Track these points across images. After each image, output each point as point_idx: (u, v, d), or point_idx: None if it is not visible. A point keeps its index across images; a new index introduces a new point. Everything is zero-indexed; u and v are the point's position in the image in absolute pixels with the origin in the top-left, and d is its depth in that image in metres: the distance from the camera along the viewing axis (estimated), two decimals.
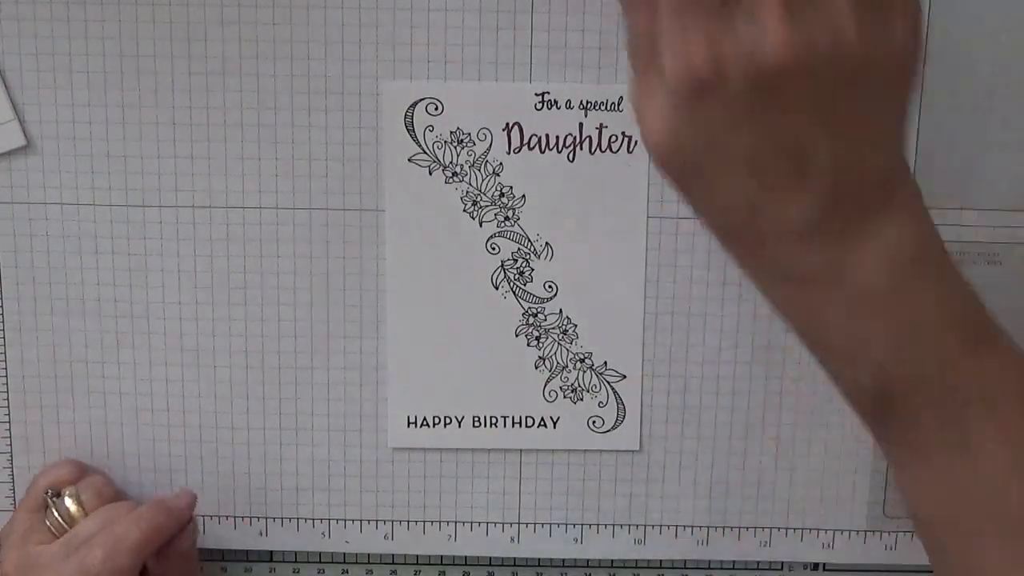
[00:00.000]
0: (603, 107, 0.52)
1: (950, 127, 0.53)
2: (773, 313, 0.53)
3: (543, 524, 0.57)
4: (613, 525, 0.57)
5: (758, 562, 0.58)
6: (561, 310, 0.54)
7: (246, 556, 0.58)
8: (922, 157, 0.53)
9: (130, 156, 0.53)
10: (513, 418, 0.55)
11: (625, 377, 0.55)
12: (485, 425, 0.55)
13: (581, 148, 0.53)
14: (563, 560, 0.58)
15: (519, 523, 0.57)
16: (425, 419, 0.55)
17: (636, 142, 0.53)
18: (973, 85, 0.52)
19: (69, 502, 0.52)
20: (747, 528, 0.57)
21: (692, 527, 0.57)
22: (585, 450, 0.56)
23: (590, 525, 0.57)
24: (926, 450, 0.39)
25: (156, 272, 0.54)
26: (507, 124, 0.53)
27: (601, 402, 0.55)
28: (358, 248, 0.54)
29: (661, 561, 0.58)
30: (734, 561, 0.57)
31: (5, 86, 0.52)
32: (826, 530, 0.57)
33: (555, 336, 0.55)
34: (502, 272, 0.54)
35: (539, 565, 0.58)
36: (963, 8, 0.51)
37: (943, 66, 0.52)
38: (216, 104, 0.53)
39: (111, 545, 0.49)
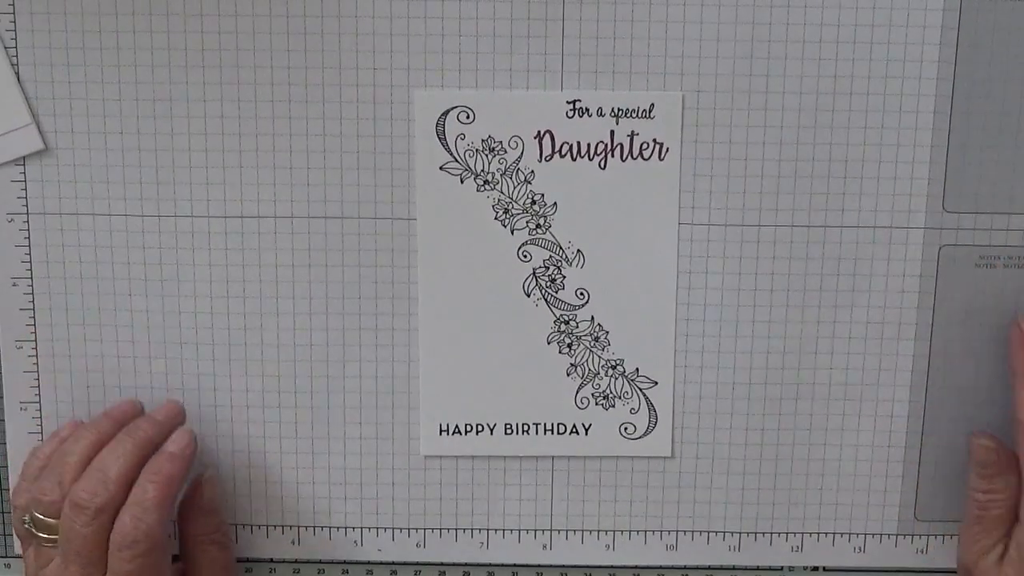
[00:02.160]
0: (634, 114, 0.52)
1: (980, 132, 0.53)
2: (804, 317, 0.53)
3: (575, 531, 0.57)
4: (645, 531, 0.57)
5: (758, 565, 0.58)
6: (593, 317, 0.54)
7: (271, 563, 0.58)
8: (952, 162, 0.53)
9: (161, 167, 0.53)
10: (545, 425, 0.55)
11: (657, 384, 0.55)
12: (517, 432, 0.55)
13: (612, 155, 0.53)
14: (589, 566, 0.58)
15: (551, 530, 0.57)
16: (457, 427, 0.55)
17: (667, 149, 0.53)
18: (1004, 90, 0.52)
19: (39, 516, 0.51)
20: (779, 533, 0.57)
21: (724, 532, 0.57)
22: (617, 456, 0.56)
23: (622, 531, 0.57)
24: None
25: (188, 282, 0.54)
26: (539, 132, 0.53)
27: (633, 409, 0.55)
28: (390, 256, 0.54)
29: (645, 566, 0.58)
30: (734, 564, 0.58)
31: (23, 93, 0.53)
32: (858, 534, 0.57)
33: (587, 343, 0.55)
34: (534, 279, 0.54)
35: (563, 567, 0.58)
36: (993, 13, 0.51)
37: (974, 71, 0.52)
38: (248, 114, 0.53)
39: (136, 508, 0.49)
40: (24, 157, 0.53)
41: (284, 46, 0.52)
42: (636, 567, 0.57)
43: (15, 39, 0.52)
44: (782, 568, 0.57)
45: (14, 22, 0.52)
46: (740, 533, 0.57)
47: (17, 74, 0.53)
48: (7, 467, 0.56)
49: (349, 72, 0.52)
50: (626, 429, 0.55)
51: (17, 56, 0.52)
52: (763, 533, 0.57)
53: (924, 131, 0.53)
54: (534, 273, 0.54)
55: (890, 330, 0.54)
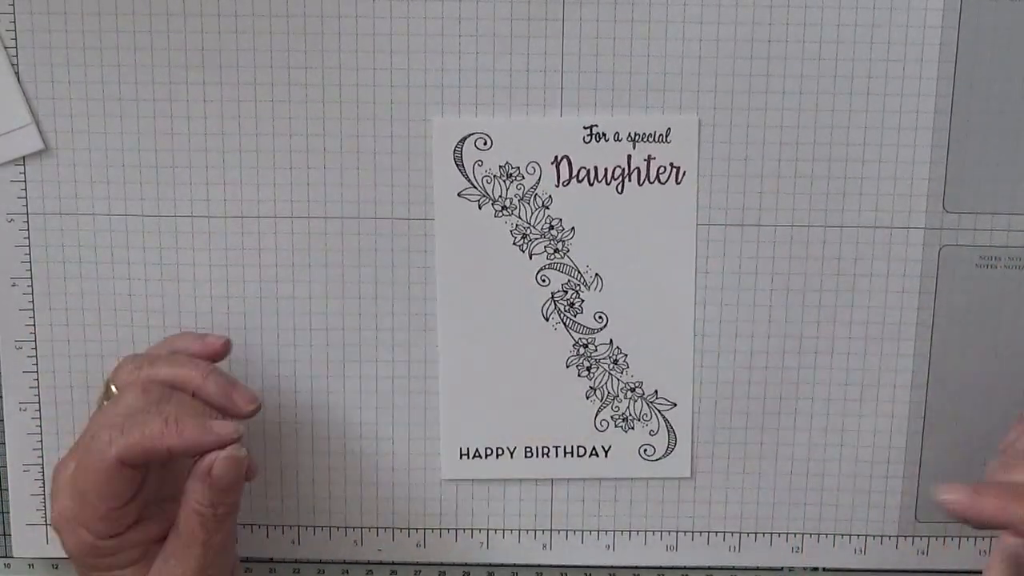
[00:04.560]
0: (651, 139, 0.52)
1: (980, 132, 0.53)
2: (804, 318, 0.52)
3: (575, 531, 0.57)
4: (645, 531, 0.57)
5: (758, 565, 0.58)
6: (611, 340, 0.54)
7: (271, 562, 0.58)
8: (952, 162, 0.53)
9: (162, 167, 0.53)
10: (565, 448, 0.55)
11: (676, 405, 0.55)
12: (537, 456, 0.55)
13: (630, 180, 0.53)
14: (589, 566, 0.58)
15: (551, 530, 0.57)
16: (477, 451, 0.55)
17: (684, 173, 0.53)
18: (1004, 90, 0.52)
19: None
20: (779, 533, 0.57)
21: (724, 533, 0.57)
22: (634, 479, 0.56)
23: (622, 531, 0.57)
24: None
25: (188, 282, 0.54)
26: (556, 157, 0.53)
27: (652, 430, 0.55)
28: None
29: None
30: (734, 564, 0.58)
31: (24, 93, 0.53)
32: (858, 535, 0.57)
33: (605, 366, 0.55)
34: (552, 304, 0.54)
35: (563, 567, 0.58)
36: (993, 13, 0.51)
37: (974, 71, 0.52)
38: (248, 114, 0.53)
39: (136, 436, 0.45)
40: (24, 157, 0.53)
41: (285, 46, 0.52)
42: (636, 567, 0.57)
43: (15, 39, 0.52)
44: (782, 568, 0.57)
45: (14, 22, 0.52)
46: (740, 533, 0.57)
47: (17, 74, 0.53)
48: (7, 467, 0.56)
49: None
50: (645, 451, 0.56)
51: (17, 56, 0.52)
52: (763, 533, 0.57)
53: (924, 131, 0.53)
54: (552, 297, 0.54)
55: (890, 330, 0.54)
